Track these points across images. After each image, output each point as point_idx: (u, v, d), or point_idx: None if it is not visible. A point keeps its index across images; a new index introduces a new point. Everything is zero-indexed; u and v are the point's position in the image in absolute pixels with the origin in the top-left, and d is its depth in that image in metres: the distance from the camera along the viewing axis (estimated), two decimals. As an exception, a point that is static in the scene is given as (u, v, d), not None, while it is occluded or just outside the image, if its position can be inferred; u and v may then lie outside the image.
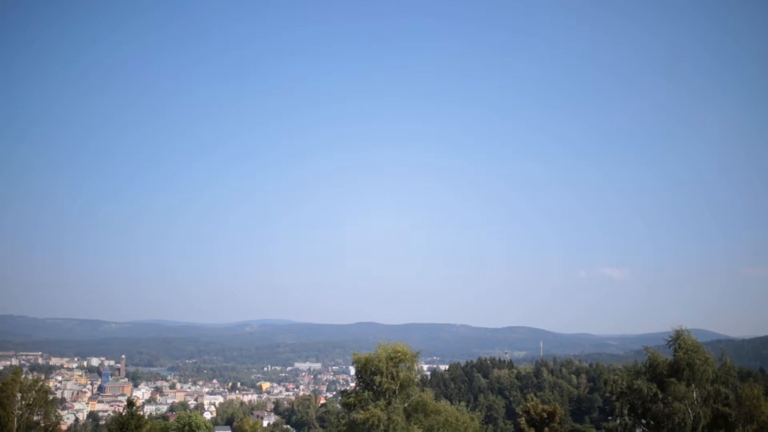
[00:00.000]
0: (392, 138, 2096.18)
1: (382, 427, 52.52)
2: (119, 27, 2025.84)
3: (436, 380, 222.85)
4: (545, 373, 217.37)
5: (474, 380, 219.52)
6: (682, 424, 52.05)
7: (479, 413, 63.66)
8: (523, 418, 70.78)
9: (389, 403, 53.90)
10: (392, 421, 52.55)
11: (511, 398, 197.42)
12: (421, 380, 63.70)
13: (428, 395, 57.18)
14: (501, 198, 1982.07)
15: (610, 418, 65.70)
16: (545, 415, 68.46)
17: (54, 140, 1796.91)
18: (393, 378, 54.29)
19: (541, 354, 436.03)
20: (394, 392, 54.35)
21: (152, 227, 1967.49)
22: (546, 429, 67.15)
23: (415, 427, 53.14)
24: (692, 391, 53.04)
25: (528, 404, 72.10)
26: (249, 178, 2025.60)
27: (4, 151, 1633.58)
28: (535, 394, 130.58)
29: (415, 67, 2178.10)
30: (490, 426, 70.49)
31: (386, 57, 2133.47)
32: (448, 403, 62.78)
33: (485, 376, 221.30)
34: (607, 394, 64.74)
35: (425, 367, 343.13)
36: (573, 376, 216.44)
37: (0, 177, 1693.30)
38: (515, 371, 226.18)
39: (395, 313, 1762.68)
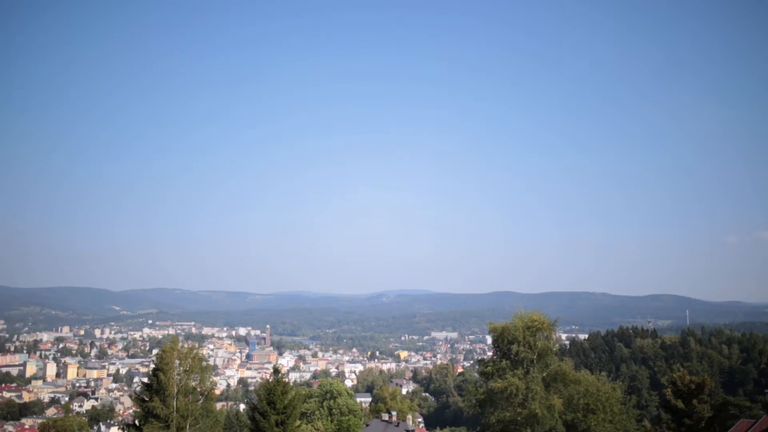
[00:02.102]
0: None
1: (520, 396, 52.13)
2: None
3: (576, 350, 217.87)
4: (692, 342, 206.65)
5: (615, 350, 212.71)
6: None
7: (621, 383, 61.53)
8: (669, 389, 67.67)
9: (527, 372, 53.34)
10: (531, 390, 52.01)
11: (656, 369, 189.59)
12: (559, 349, 62.56)
13: (567, 365, 56.09)
14: (641, 165, 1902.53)
15: (766, 391, 61.34)
16: (693, 387, 65.11)
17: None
18: (530, 347, 53.63)
19: (688, 323, 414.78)
20: (532, 361, 53.71)
21: (303, 205, 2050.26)
22: (694, 401, 63.97)
23: (555, 396, 52.33)
24: None
25: (674, 375, 68.78)
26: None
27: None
28: (682, 365, 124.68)
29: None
30: (634, 397, 68.17)
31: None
32: (589, 372, 61.38)
33: (627, 346, 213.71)
34: (763, 366, 60.70)
35: (563, 336, 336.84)
36: (724, 347, 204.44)
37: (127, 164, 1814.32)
38: (659, 341, 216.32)
39: (532, 282, 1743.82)
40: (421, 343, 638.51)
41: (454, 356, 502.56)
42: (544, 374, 54.44)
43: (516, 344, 54.01)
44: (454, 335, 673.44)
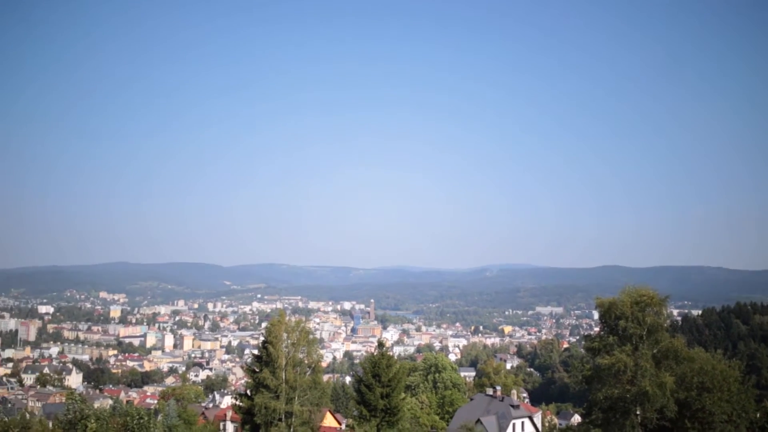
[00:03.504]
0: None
1: (629, 373, 50.71)
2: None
3: (688, 326, 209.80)
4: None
5: (732, 327, 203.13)
6: None
7: (739, 362, 58.62)
8: (791, 369, 64.19)
9: (636, 348, 51.80)
10: (640, 367, 50.47)
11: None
12: (670, 326, 60.28)
13: (679, 341, 53.93)
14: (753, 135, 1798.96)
15: None
16: (819, 366, 61.41)
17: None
18: (639, 323, 51.96)
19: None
20: (641, 337, 52.06)
21: (407, 180, 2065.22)
22: (820, 381, 60.32)
23: (666, 374, 50.55)
24: None
25: (797, 353, 65.10)
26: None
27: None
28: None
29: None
30: (753, 376, 64.70)
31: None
32: (703, 350, 58.79)
33: (745, 323, 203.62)
34: None
35: (675, 312, 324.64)
36: None
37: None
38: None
39: (641, 256, 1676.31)
40: (525, 318, 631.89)
41: (559, 331, 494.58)
42: (655, 351, 52.67)
43: (624, 320, 52.45)
44: (559, 310, 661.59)
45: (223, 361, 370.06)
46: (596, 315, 64.33)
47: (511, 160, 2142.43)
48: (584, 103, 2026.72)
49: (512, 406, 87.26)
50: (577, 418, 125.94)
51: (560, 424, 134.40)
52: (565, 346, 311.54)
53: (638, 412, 51.51)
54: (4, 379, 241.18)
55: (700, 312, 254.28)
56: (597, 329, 63.00)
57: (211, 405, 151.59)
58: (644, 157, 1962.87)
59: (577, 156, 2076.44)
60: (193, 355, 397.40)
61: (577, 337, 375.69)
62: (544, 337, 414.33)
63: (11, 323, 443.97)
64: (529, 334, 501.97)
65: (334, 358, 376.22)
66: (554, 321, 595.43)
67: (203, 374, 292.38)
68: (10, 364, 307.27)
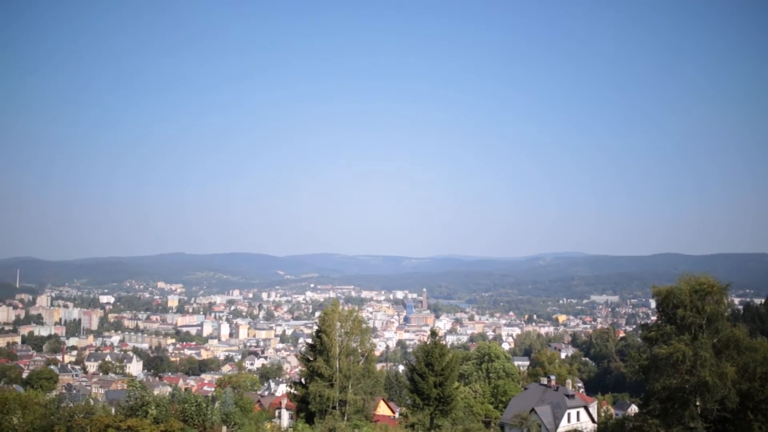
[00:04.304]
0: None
1: (687, 363, 49.63)
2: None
3: (750, 315, 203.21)
4: None
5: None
6: None
7: (806, 352, 56.87)
8: None
9: (695, 338, 50.65)
10: (699, 356, 49.33)
11: None
12: (731, 315, 58.71)
13: (741, 331, 52.57)
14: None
15: None
16: None
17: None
18: (698, 311, 50.80)
19: None
20: (701, 326, 50.90)
21: (457, 169, 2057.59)
22: None
23: (727, 364, 49.32)
24: None
25: None
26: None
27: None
28: None
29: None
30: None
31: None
32: (766, 339, 57.17)
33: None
34: None
35: (736, 300, 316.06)
36: None
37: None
38: None
39: (700, 243, 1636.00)
40: (579, 307, 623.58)
41: (615, 320, 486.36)
42: (715, 340, 51.44)
43: (682, 308, 51.34)
44: (614, 299, 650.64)
45: (277, 350, 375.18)
46: (653, 304, 63.10)
47: (565, 150, 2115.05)
48: (647, 84, 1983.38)
49: (567, 395, 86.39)
50: (633, 409, 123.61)
51: (616, 414, 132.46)
52: (621, 335, 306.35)
53: (698, 403, 50.46)
54: (69, 366, 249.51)
55: (762, 300, 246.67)
56: (654, 318, 61.81)
57: (266, 393, 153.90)
58: (702, 141, 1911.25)
59: (635, 142, 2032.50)
60: (248, 344, 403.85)
61: (634, 327, 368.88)
62: (599, 326, 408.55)
63: (75, 313, 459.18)
64: (584, 323, 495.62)
65: (387, 347, 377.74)
66: (610, 310, 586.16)
67: (258, 363, 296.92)
68: (75, 352, 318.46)
